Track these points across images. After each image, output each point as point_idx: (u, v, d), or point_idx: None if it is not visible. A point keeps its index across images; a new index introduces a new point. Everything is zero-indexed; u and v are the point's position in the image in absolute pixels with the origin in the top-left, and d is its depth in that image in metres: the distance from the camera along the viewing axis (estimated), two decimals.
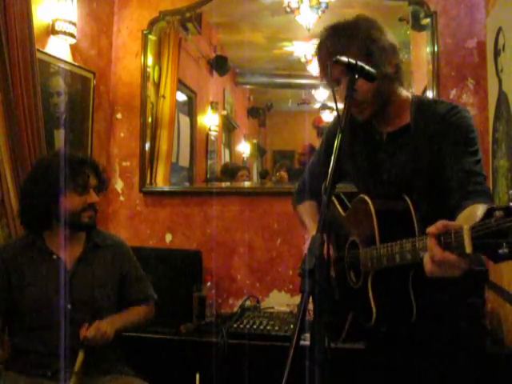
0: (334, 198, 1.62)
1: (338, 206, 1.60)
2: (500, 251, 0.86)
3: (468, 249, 0.93)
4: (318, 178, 1.64)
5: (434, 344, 1.40)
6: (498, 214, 0.87)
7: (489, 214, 0.90)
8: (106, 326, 1.76)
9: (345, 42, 1.37)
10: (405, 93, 1.50)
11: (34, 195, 1.83)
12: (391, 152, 1.48)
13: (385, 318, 1.33)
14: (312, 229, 1.60)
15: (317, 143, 3.60)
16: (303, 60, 3.33)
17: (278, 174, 3.39)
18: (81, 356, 1.72)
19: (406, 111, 1.47)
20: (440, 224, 1.02)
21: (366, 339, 1.62)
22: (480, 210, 1.16)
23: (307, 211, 1.71)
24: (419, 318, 1.32)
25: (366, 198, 1.39)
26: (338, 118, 1.21)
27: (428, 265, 1.05)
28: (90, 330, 1.72)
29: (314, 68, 3.34)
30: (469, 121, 1.39)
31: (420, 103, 1.47)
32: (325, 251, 1.05)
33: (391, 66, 1.41)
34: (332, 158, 1.18)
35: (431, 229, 1.03)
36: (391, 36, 1.44)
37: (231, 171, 3.49)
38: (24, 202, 1.89)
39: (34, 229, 1.89)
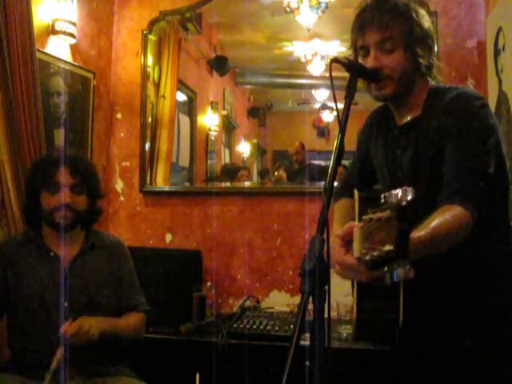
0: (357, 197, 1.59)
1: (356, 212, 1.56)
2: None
3: (356, 253, 0.88)
4: (354, 177, 1.67)
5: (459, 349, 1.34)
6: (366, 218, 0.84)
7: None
8: (90, 325, 1.70)
9: (389, 14, 1.31)
10: (428, 83, 1.41)
11: (26, 191, 1.93)
12: (404, 147, 1.41)
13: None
14: (334, 230, 1.56)
15: (317, 143, 3.62)
16: (303, 60, 3.32)
17: (276, 173, 3.39)
18: (59, 353, 1.64)
19: (420, 102, 1.40)
20: (347, 226, 1.01)
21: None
22: (446, 215, 1.10)
23: (339, 211, 1.64)
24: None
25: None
26: (337, 117, 1.21)
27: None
28: (72, 326, 1.66)
29: (314, 68, 3.34)
30: (475, 108, 1.28)
31: (435, 93, 1.38)
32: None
33: (427, 54, 1.36)
34: (332, 157, 1.17)
35: (342, 232, 1.01)
36: (431, 25, 1.39)
37: (231, 171, 3.49)
38: (24, 196, 1.98)
39: (31, 224, 1.93)
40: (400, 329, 1.28)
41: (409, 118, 1.42)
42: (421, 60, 1.35)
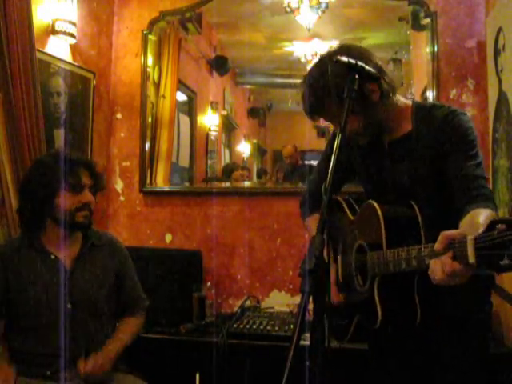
0: (343, 201, 1.65)
1: (347, 210, 1.62)
2: (501, 262, 0.89)
3: (471, 259, 0.96)
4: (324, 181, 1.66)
5: (440, 346, 1.41)
6: (500, 226, 0.91)
7: (492, 226, 0.92)
8: (102, 359, 1.78)
9: (315, 103, 1.44)
10: (402, 100, 1.51)
11: (29, 195, 1.84)
12: (395, 159, 1.50)
13: (389, 321, 1.35)
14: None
15: (317, 143, 3.62)
16: (303, 60, 3.32)
17: (278, 175, 3.39)
18: None
19: (406, 118, 1.48)
20: (444, 238, 1.05)
21: (370, 340, 1.62)
22: (481, 215, 1.19)
23: (315, 227, 1.69)
24: (424, 321, 1.32)
25: (374, 203, 1.41)
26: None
27: (438, 273, 1.06)
28: (88, 365, 1.74)
29: None
30: (467, 124, 1.40)
31: (420, 109, 1.48)
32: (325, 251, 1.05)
33: (374, 92, 1.39)
34: (332, 158, 1.18)
35: (439, 245, 1.05)
36: (368, 56, 1.40)
37: (229, 171, 3.49)
38: (21, 202, 1.90)
39: (30, 229, 1.89)
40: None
41: (398, 135, 1.49)
42: (373, 99, 1.40)
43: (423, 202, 1.38)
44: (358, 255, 1.48)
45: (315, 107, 1.44)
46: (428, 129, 1.43)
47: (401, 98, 1.51)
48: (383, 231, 1.33)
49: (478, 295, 1.44)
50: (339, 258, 1.60)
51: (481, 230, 0.96)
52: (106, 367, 1.77)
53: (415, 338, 1.42)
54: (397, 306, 1.35)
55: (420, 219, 1.33)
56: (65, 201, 1.82)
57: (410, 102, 1.52)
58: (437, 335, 1.41)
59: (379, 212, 1.37)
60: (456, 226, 1.22)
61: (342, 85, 1.29)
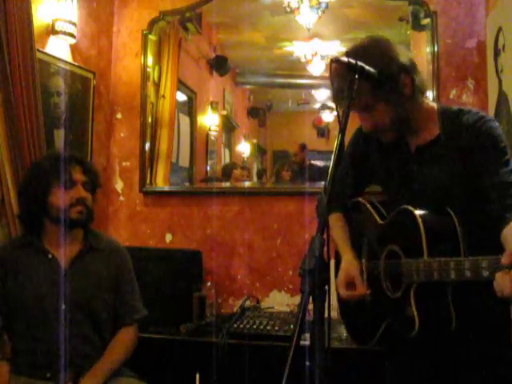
0: (368, 203, 1.63)
1: (375, 214, 1.60)
2: None
3: None
4: (345, 183, 1.66)
5: (470, 352, 1.40)
6: None
7: None
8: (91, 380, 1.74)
9: (349, 89, 1.32)
10: (430, 103, 1.49)
11: (26, 195, 1.87)
12: (423, 164, 1.48)
13: (426, 329, 1.34)
14: (345, 253, 1.61)
15: (317, 143, 3.63)
16: (303, 60, 3.33)
17: (284, 173, 3.38)
18: None
19: (433, 122, 1.47)
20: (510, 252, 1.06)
21: (395, 344, 1.58)
22: None
23: (337, 230, 1.68)
24: (459, 327, 1.32)
25: (412, 209, 1.39)
26: (337, 117, 1.22)
27: (508, 288, 1.06)
28: None
29: (314, 68, 3.34)
30: (498, 130, 1.40)
31: (447, 114, 1.47)
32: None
33: (407, 86, 1.40)
34: (332, 158, 1.17)
35: (506, 259, 1.06)
36: (405, 52, 1.43)
37: (228, 171, 3.50)
38: (20, 201, 1.93)
39: (30, 228, 1.90)
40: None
41: (426, 139, 1.48)
42: (405, 92, 1.40)
43: (454, 209, 1.38)
44: (388, 260, 1.47)
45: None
46: (458, 134, 1.42)
47: (428, 101, 1.50)
48: (424, 239, 1.32)
49: None
50: (363, 261, 1.58)
51: None
52: None
53: (446, 342, 1.41)
54: (432, 313, 1.34)
55: (458, 227, 1.33)
56: (58, 198, 1.83)
57: (435, 105, 1.50)
58: (468, 342, 1.39)
59: (418, 219, 1.35)
60: (491, 234, 1.25)
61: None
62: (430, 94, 2.74)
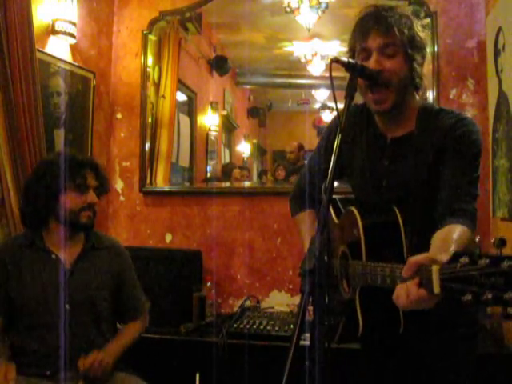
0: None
1: (332, 212, 1.56)
2: (463, 298, 0.87)
3: (436, 289, 0.94)
4: (317, 176, 1.61)
5: (425, 350, 1.40)
6: (463, 260, 0.89)
7: (455, 258, 0.90)
8: (103, 356, 1.76)
9: (395, 21, 1.35)
10: (416, 99, 1.47)
11: (34, 193, 1.84)
12: (393, 159, 1.45)
13: (372, 330, 1.33)
14: (304, 242, 1.57)
15: (316, 143, 3.62)
16: (303, 60, 3.33)
17: (277, 173, 3.39)
18: None
19: (412, 118, 1.44)
20: (412, 265, 1.03)
21: (359, 342, 1.59)
22: (456, 233, 1.18)
23: (304, 225, 1.66)
24: (407, 329, 1.30)
25: (355, 210, 1.36)
26: (338, 117, 1.21)
27: (403, 300, 1.05)
28: (87, 362, 1.72)
29: (314, 68, 3.35)
30: (474, 135, 1.35)
31: (427, 111, 1.44)
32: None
33: (422, 63, 1.40)
34: (332, 158, 1.17)
35: (406, 271, 1.04)
36: (425, 37, 1.44)
37: (228, 171, 3.50)
38: (25, 199, 1.90)
39: (33, 227, 1.90)
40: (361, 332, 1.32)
41: (401, 133, 1.45)
42: (417, 68, 1.38)
43: (413, 206, 1.36)
44: (342, 261, 1.45)
45: (392, 20, 1.35)
46: (433, 132, 1.38)
47: (416, 97, 1.46)
48: (362, 241, 1.30)
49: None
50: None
51: (451, 249, 0.94)
52: (106, 366, 1.76)
53: (400, 343, 1.40)
54: (379, 315, 1.32)
55: (402, 228, 1.30)
56: (69, 200, 1.83)
57: (419, 102, 1.47)
58: (421, 341, 1.39)
59: (359, 221, 1.33)
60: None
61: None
62: (430, 94, 2.74)
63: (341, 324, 1.46)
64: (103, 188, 1.96)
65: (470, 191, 1.32)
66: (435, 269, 0.94)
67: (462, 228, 1.20)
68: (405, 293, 1.04)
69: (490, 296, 0.84)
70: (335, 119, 1.64)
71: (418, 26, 1.40)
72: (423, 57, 1.40)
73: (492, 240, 0.87)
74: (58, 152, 2.12)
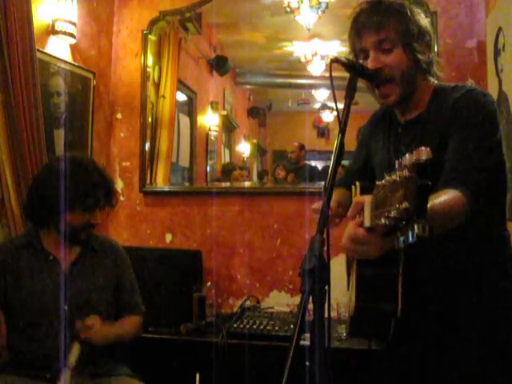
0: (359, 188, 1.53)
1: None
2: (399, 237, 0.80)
3: (367, 222, 0.89)
4: (352, 175, 1.63)
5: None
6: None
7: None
8: (99, 325, 1.77)
9: (384, 15, 1.32)
10: (430, 81, 1.41)
11: (42, 193, 1.81)
12: (407, 143, 1.40)
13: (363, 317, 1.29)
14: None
15: (317, 143, 3.62)
16: (303, 60, 3.33)
17: (277, 173, 3.40)
18: (76, 349, 1.70)
19: (425, 100, 1.40)
20: (354, 203, 1.01)
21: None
22: (442, 196, 1.09)
23: (338, 193, 1.61)
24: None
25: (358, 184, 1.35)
26: (337, 117, 1.21)
27: (344, 239, 1.03)
28: (87, 320, 1.74)
29: (314, 68, 3.35)
30: (480, 104, 1.27)
31: (440, 91, 1.38)
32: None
33: (426, 50, 1.36)
34: (332, 157, 1.17)
35: (350, 211, 1.01)
36: (428, 23, 1.40)
37: (228, 171, 3.50)
38: (32, 197, 1.87)
39: (34, 222, 1.89)
40: (397, 319, 1.23)
41: (413, 115, 1.42)
42: (420, 56, 1.35)
43: None
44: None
45: (378, 20, 1.32)
46: (442, 109, 1.32)
47: (432, 79, 1.41)
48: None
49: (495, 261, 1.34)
50: None
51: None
52: (101, 334, 1.77)
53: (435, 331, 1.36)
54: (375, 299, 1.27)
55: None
56: (74, 218, 1.80)
57: (435, 83, 1.41)
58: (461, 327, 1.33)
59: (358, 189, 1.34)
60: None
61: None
62: None
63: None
64: (108, 204, 1.93)
65: (474, 158, 1.19)
66: (367, 201, 0.89)
67: (452, 192, 1.11)
68: (346, 232, 1.02)
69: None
70: (367, 123, 1.65)
71: (414, 14, 1.34)
72: (426, 42, 1.36)
73: None
74: (77, 158, 1.94)
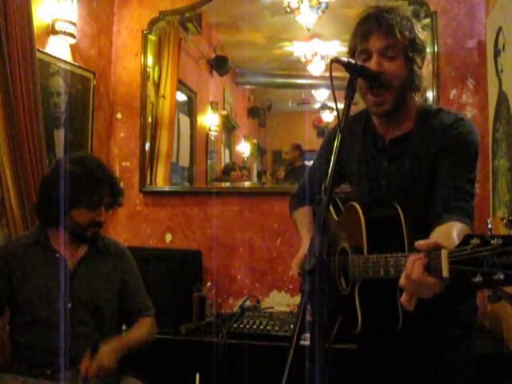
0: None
1: (332, 210, 1.57)
2: (474, 279, 0.87)
3: (445, 273, 0.93)
4: (318, 181, 1.60)
5: (423, 349, 1.39)
6: (474, 241, 0.89)
7: (465, 241, 0.91)
8: (107, 358, 1.70)
9: (399, 20, 1.36)
10: (415, 100, 1.47)
11: (50, 191, 1.83)
12: (391, 159, 1.46)
13: (370, 327, 1.32)
14: (305, 240, 1.59)
15: (317, 143, 3.62)
16: (303, 60, 3.33)
17: (278, 173, 3.40)
18: None
19: (410, 118, 1.45)
20: (431, 242, 1.01)
21: (355, 341, 1.59)
22: (456, 229, 1.17)
23: (303, 220, 1.70)
24: (405, 327, 1.29)
25: (356, 205, 1.36)
26: (337, 117, 1.21)
27: (402, 280, 1.03)
28: (92, 368, 1.66)
29: (314, 68, 3.35)
30: (472, 136, 1.37)
31: (425, 111, 1.45)
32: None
33: (421, 65, 1.41)
34: (332, 158, 1.17)
35: (421, 244, 1.01)
36: (425, 37, 1.45)
37: (228, 171, 3.50)
38: (41, 192, 1.89)
39: (44, 221, 1.89)
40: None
41: (399, 133, 1.46)
42: (417, 70, 1.39)
43: (413, 205, 1.36)
44: (340, 257, 1.45)
45: (395, 22, 1.36)
46: (431, 131, 1.39)
47: (415, 98, 1.47)
48: (364, 235, 1.29)
49: (461, 297, 1.42)
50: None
51: (455, 243, 0.93)
52: (110, 367, 1.71)
53: (397, 342, 1.39)
54: (378, 311, 1.31)
55: (403, 223, 1.29)
56: (80, 215, 1.82)
57: (418, 102, 1.48)
58: (419, 340, 1.39)
59: (361, 215, 1.32)
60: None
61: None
62: (430, 94, 2.75)
63: (337, 322, 1.45)
64: (115, 203, 1.94)
65: (468, 190, 1.32)
66: (444, 251, 0.94)
67: (461, 225, 1.20)
68: (405, 274, 1.02)
69: (501, 276, 0.84)
70: (334, 126, 1.67)
71: (418, 28, 1.40)
72: (423, 59, 1.41)
73: (504, 221, 0.89)
74: (80, 158, 1.95)
